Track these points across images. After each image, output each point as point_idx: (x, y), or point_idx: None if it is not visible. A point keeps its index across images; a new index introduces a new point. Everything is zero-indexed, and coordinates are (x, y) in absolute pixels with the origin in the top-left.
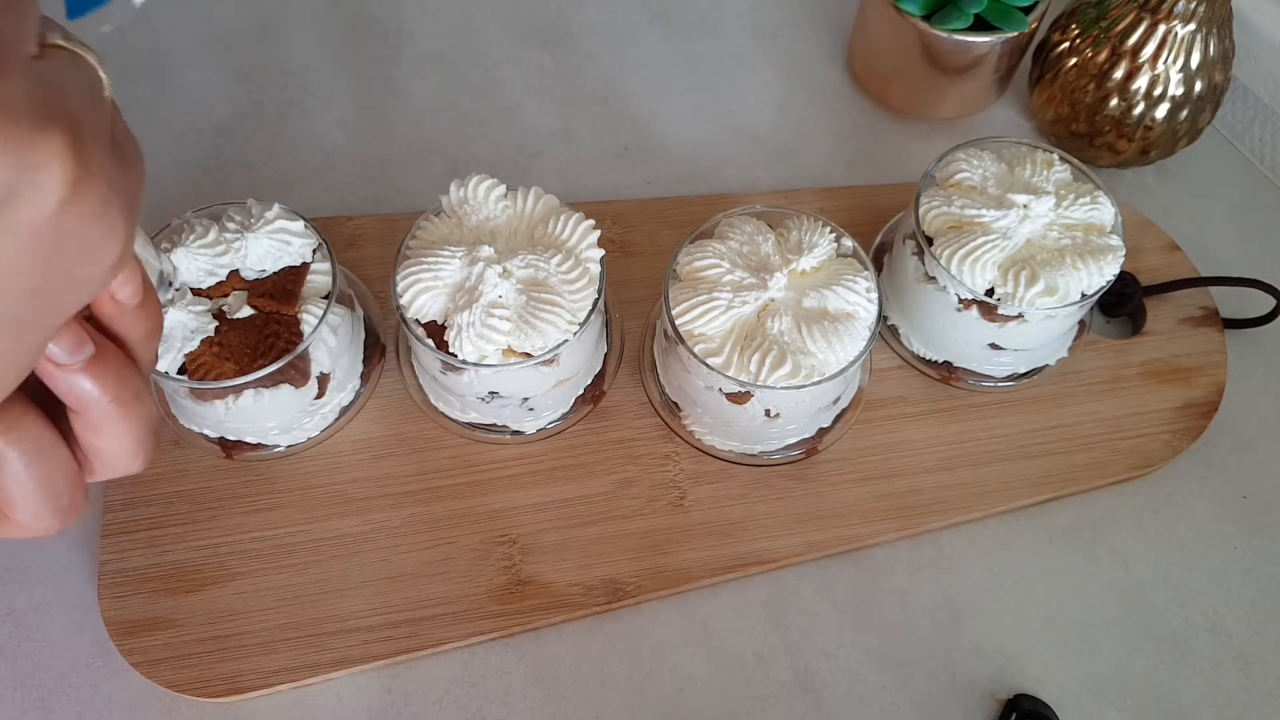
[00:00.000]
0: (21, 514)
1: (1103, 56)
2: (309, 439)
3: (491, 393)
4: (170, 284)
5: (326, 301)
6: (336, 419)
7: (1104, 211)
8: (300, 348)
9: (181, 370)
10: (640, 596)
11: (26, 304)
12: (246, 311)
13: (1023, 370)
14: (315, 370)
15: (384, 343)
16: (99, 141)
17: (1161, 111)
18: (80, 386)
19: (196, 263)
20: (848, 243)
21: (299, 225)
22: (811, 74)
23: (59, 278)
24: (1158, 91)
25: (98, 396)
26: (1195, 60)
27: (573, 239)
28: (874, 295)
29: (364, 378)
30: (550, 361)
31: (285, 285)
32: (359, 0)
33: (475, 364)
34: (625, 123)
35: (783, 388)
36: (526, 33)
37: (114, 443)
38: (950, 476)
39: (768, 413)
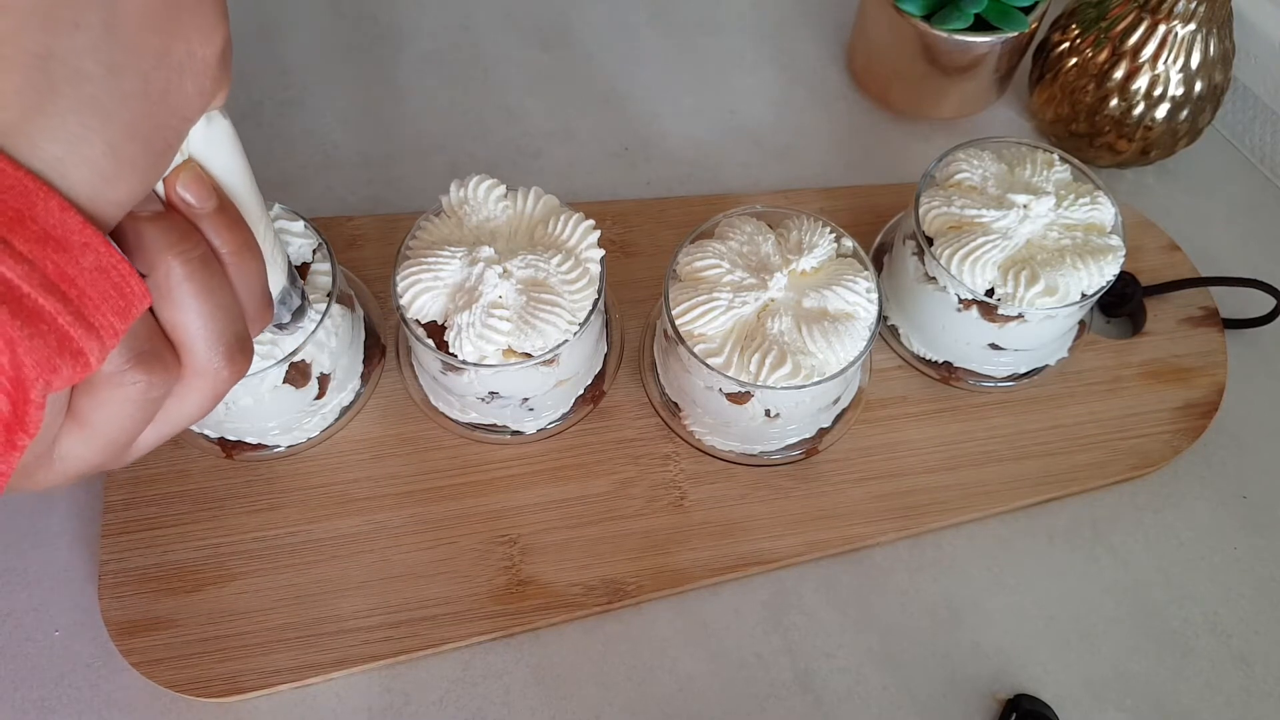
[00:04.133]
0: (197, 350)
1: (1103, 56)
2: (309, 439)
3: (491, 393)
4: (294, 298)
5: (327, 302)
6: (337, 419)
7: (1104, 211)
8: (299, 347)
9: None
10: (640, 596)
11: (155, 64)
12: None
13: (1023, 370)
14: (315, 370)
15: (384, 343)
16: None
17: (1161, 111)
18: (147, 235)
19: None
20: (848, 243)
21: (299, 225)
22: (811, 74)
23: (180, 44)
24: (1158, 92)
25: (161, 252)
26: (1195, 60)
27: (573, 239)
28: (874, 295)
29: (364, 378)
30: (550, 361)
31: None
32: (359, 0)
33: (475, 364)
34: (625, 123)
35: (783, 388)
36: (526, 33)
37: (187, 317)
38: (950, 476)
39: (768, 413)
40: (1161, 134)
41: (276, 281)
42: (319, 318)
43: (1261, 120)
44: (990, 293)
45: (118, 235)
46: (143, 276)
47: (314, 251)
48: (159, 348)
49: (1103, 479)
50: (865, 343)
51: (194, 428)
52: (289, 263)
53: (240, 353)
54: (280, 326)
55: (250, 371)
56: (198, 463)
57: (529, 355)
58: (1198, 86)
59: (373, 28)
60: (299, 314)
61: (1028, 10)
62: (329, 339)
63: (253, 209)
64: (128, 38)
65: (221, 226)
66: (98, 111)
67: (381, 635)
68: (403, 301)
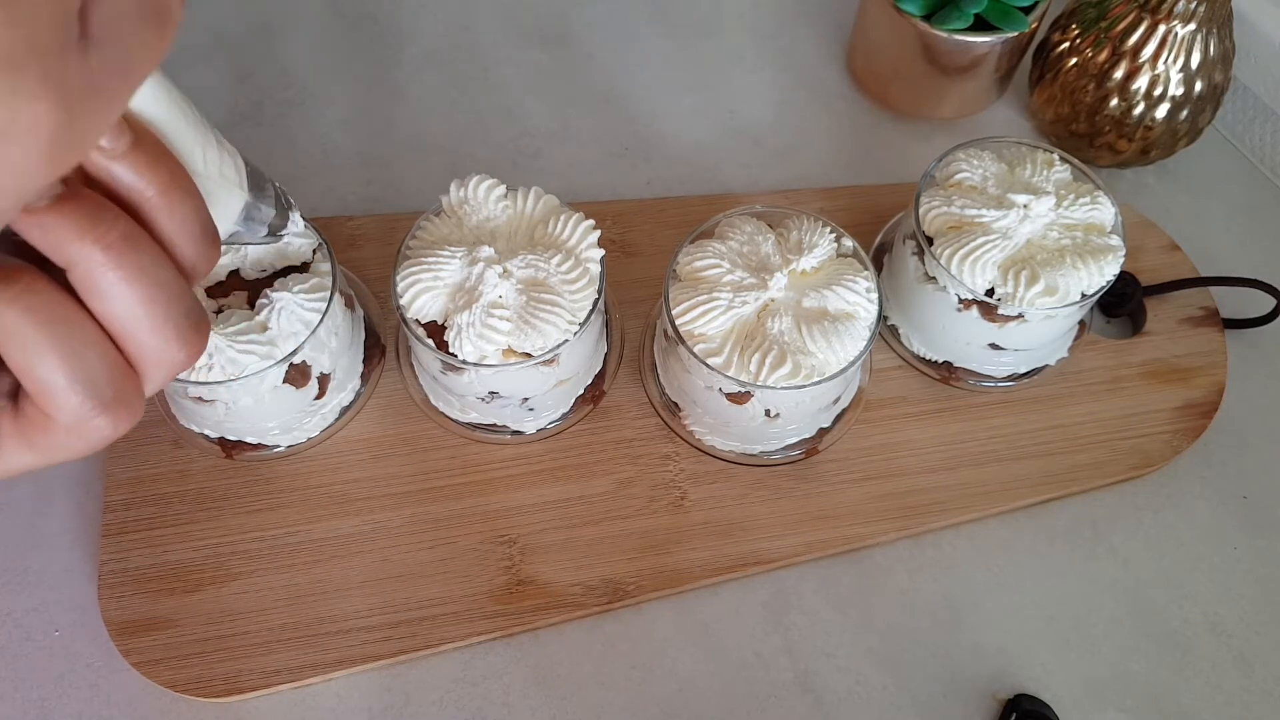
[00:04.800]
0: (61, 408)
1: (1103, 56)
2: (309, 439)
3: (491, 393)
4: (264, 209)
5: (327, 302)
6: (337, 419)
7: (1104, 211)
8: (298, 347)
9: None
10: (640, 596)
11: None
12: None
13: (1023, 370)
14: (315, 370)
15: (384, 343)
16: None
17: (1161, 111)
18: (54, 229)
19: None
20: (848, 243)
21: (299, 225)
22: (811, 74)
23: None
24: (1158, 91)
25: (74, 243)
26: (1195, 60)
27: (573, 239)
28: (874, 295)
29: (364, 378)
30: (550, 361)
31: None
32: (359, 0)
33: (475, 364)
34: (625, 123)
35: (783, 388)
36: (526, 33)
37: (124, 307)
38: (950, 476)
39: (768, 413)
40: (1161, 134)
41: (233, 203)
42: (303, 221)
43: (1261, 120)
44: (990, 293)
45: (16, 235)
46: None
47: (314, 251)
48: (123, 389)
49: (1103, 479)
50: (865, 343)
51: (194, 428)
52: (249, 173)
53: (193, 330)
54: (262, 241)
55: (250, 371)
56: (198, 463)
57: (529, 355)
58: (1198, 86)
59: (373, 28)
60: (280, 221)
61: (1028, 10)
62: (329, 339)
63: (181, 131)
64: None
65: (142, 164)
66: None
67: (381, 635)
68: (403, 301)
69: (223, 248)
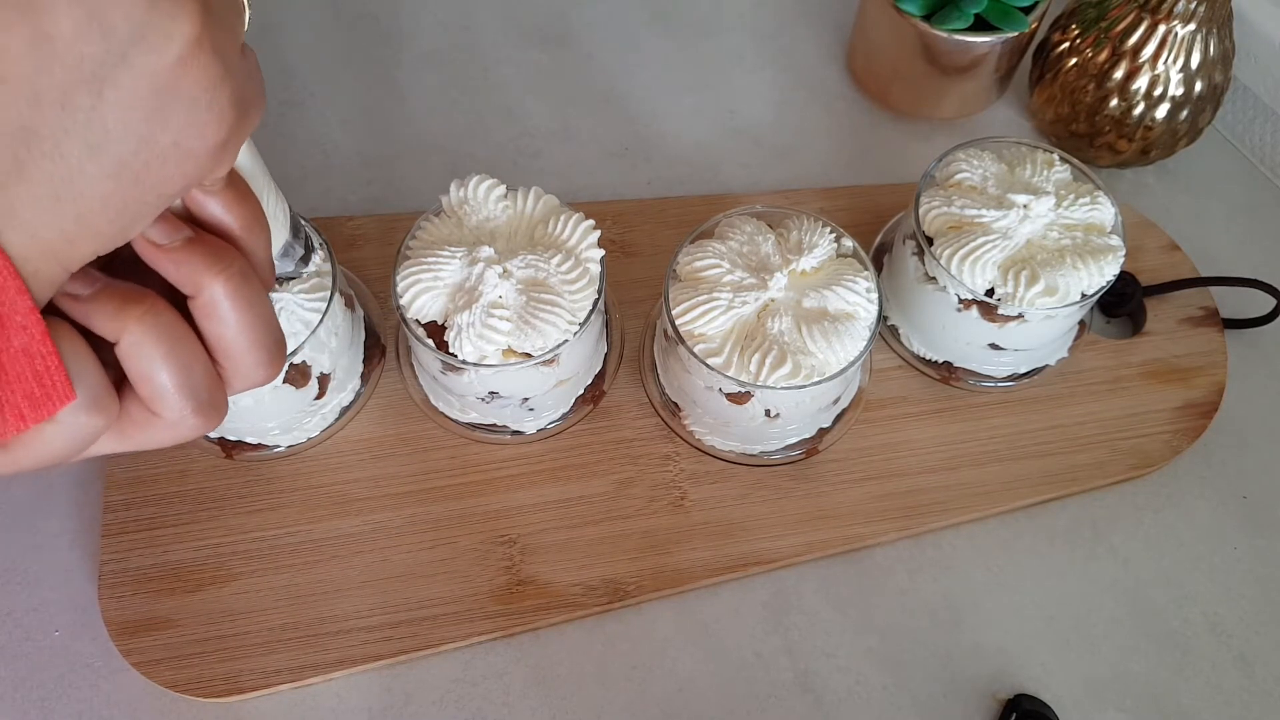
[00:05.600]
0: (168, 409)
1: (1103, 56)
2: (309, 439)
3: (491, 393)
4: (297, 249)
5: (327, 302)
6: (336, 419)
7: (1104, 211)
8: (298, 348)
9: None
10: (640, 596)
11: (135, 149)
12: None
13: (1023, 370)
14: (315, 370)
15: (384, 343)
16: (223, 20)
17: (1161, 111)
18: (186, 264)
19: None
20: (848, 243)
21: (318, 263)
22: (811, 74)
23: (166, 135)
24: (1158, 92)
25: (203, 275)
26: (1195, 60)
27: (573, 239)
28: (874, 295)
29: (364, 378)
30: (550, 361)
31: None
32: (359, 0)
33: (475, 364)
34: (625, 123)
35: (783, 388)
36: (526, 33)
37: (234, 332)
38: (950, 476)
39: (768, 413)
40: (1161, 134)
41: (278, 239)
42: (324, 260)
43: (1261, 120)
44: (990, 293)
45: (148, 266)
46: (188, 300)
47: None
48: (215, 397)
49: (1103, 479)
50: (865, 343)
51: None
52: (289, 213)
53: (278, 355)
54: (285, 278)
55: None
56: (198, 463)
57: (529, 355)
58: (1198, 86)
59: (373, 28)
60: (304, 261)
61: (1028, 10)
62: (329, 339)
63: (255, 174)
64: (111, 123)
65: (233, 201)
66: (71, 186)
67: (381, 635)
68: (403, 301)
69: None
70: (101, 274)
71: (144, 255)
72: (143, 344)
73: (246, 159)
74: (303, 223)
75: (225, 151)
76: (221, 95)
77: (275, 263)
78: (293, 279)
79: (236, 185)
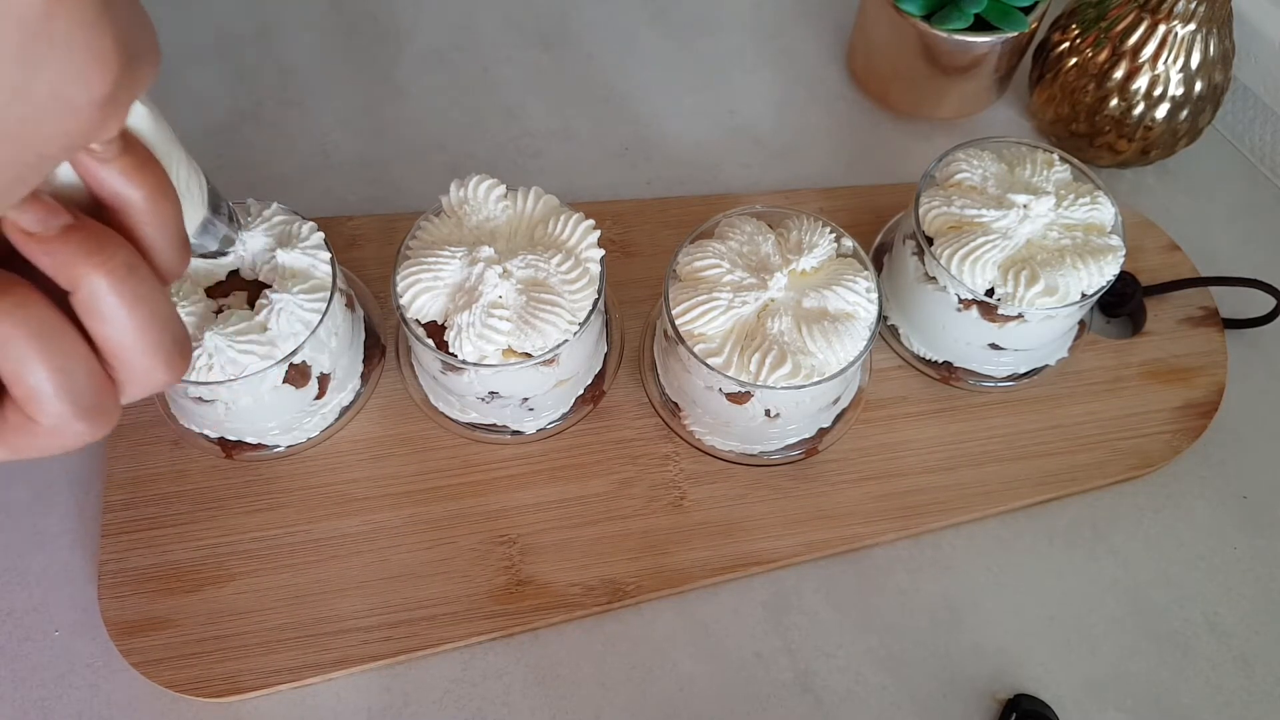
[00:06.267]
0: (46, 414)
1: (1103, 56)
2: (309, 439)
3: (491, 393)
4: (218, 226)
5: (327, 302)
6: (336, 419)
7: (1104, 211)
8: (298, 348)
9: None
10: (640, 596)
11: (7, 101)
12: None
13: (1023, 370)
14: (315, 370)
15: (384, 343)
16: None
17: (1161, 111)
18: (61, 253)
19: (196, 263)
20: (848, 243)
21: (304, 227)
22: (811, 74)
23: (42, 85)
24: (1158, 91)
25: (80, 268)
26: (1195, 60)
27: (573, 239)
28: (874, 295)
29: (364, 378)
30: (550, 361)
31: None
32: (359, 0)
33: (475, 364)
34: (625, 123)
35: (783, 388)
36: (526, 33)
37: (120, 331)
38: (950, 476)
39: (768, 413)
40: (1161, 134)
41: (194, 218)
42: (246, 238)
43: (1261, 120)
44: (990, 293)
45: (24, 259)
46: (69, 296)
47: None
48: (103, 400)
49: (1103, 479)
50: (865, 343)
51: (194, 428)
52: (208, 190)
53: (179, 355)
54: (209, 255)
55: (250, 371)
56: (198, 463)
57: (529, 355)
58: (1198, 86)
59: (373, 28)
60: (228, 240)
61: (1028, 10)
62: (329, 339)
63: (159, 142)
64: None
65: (132, 168)
66: None
67: (381, 635)
68: (403, 301)
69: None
70: None
71: (16, 244)
72: (11, 340)
73: (147, 125)
74: (226, 202)
75: (113, 106)
76: (101, 37)
77: (194, 241)
78: (218, 256)
79: (135, 151)
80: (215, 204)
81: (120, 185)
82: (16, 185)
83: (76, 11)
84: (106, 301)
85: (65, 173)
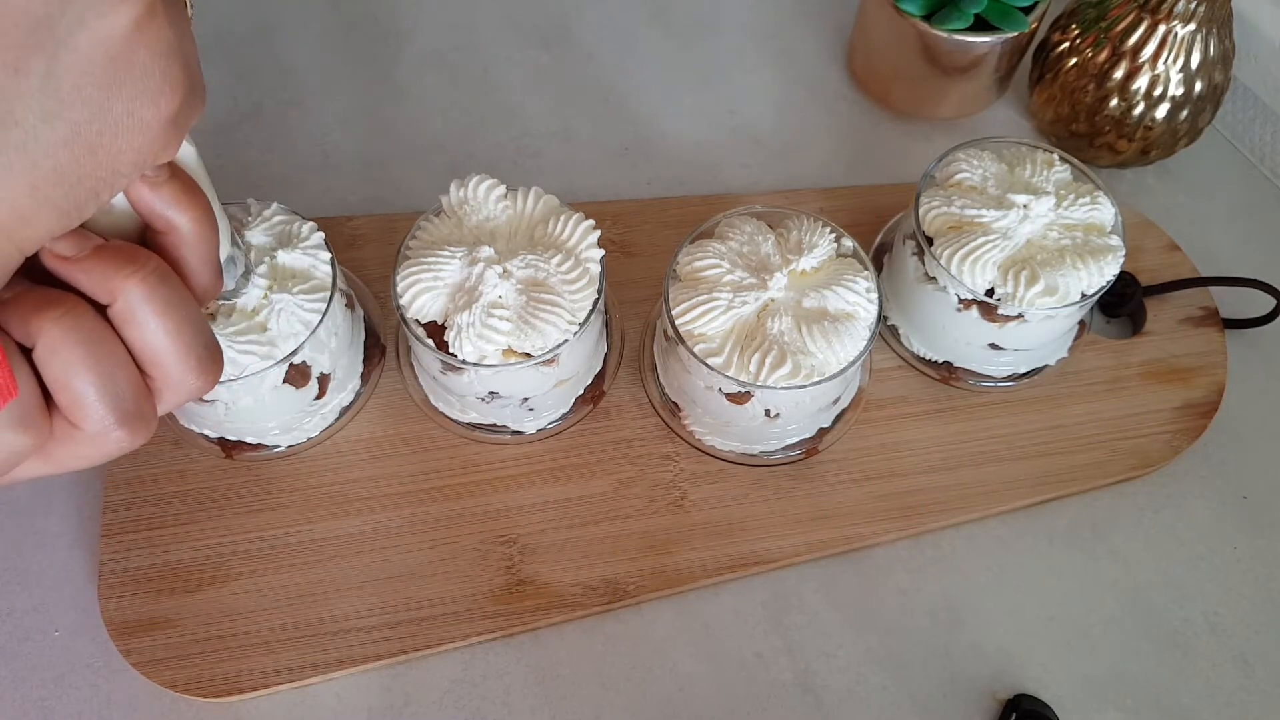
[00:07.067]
0: (89, 419)
1: (1103, 57)
2: (309, 439)
3: (491, 393)
4: (239, 264)
5: (327, 302)
6: (336, 419)
7: (1104, 211)
8: (298, 348)
9: None
10: (640, 596)
11: (90, 117)
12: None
13: (1023, 370)
14: (315, 370)
15: (384, 343)
16: None
17: (1161, 112)
18: (96, 270)
19: None
20: (848, 243)
21: (304, 227)
22: (811, 74)
23: (120, 103)
24: (1158, 92)
25: (115, 279)
26: (1195, 60)
27: (573, 239)
28: (874, 295)
29: (364, 378)
30: (550, 361)
31: None
32: (359, 0)
33: (475, 364)
34: (625, 123)
35: (783, 388)
36: (526, 33)
37: (156, 335)
38: (950, 476)
39: (768, 413)
40: (1161, 134)
41: (223, 249)
42: (256, 278)
43: (1261, 120)
44: (990, 293)
45: (57, 276)
46: (104, 308)
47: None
48: (142, 407)
49: (1103, 479)
50: (865, 343)
51: (194, 428)
52: (230, 227)
53: (211, 361)
54: (224, 295)
55: (250, 372)
56: (198, 463)
57: (529, 355)
58: (1198, 86)
59: (373, 28)
60: (244, 278)
61: (1028, 10)
62: (329, 339)
63: (200, 174)
64: (66, 89)
65: (181, 193)
66: (24, 154)
67: (381, 635)
68: (403, 301)
69: None
70: (24, 279)
71: (54, 269)
72: (60, 347)
73: (191, 157)
74: (240, 245)
75: (176, 127)
76: (174, 65)
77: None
78: (233, 295)
79: (183, 179)
80: (236, 244)
81: (170, 209)
82: (92, 199)
83: (156, 39)
84: (142, 308)
85: (113, 207)
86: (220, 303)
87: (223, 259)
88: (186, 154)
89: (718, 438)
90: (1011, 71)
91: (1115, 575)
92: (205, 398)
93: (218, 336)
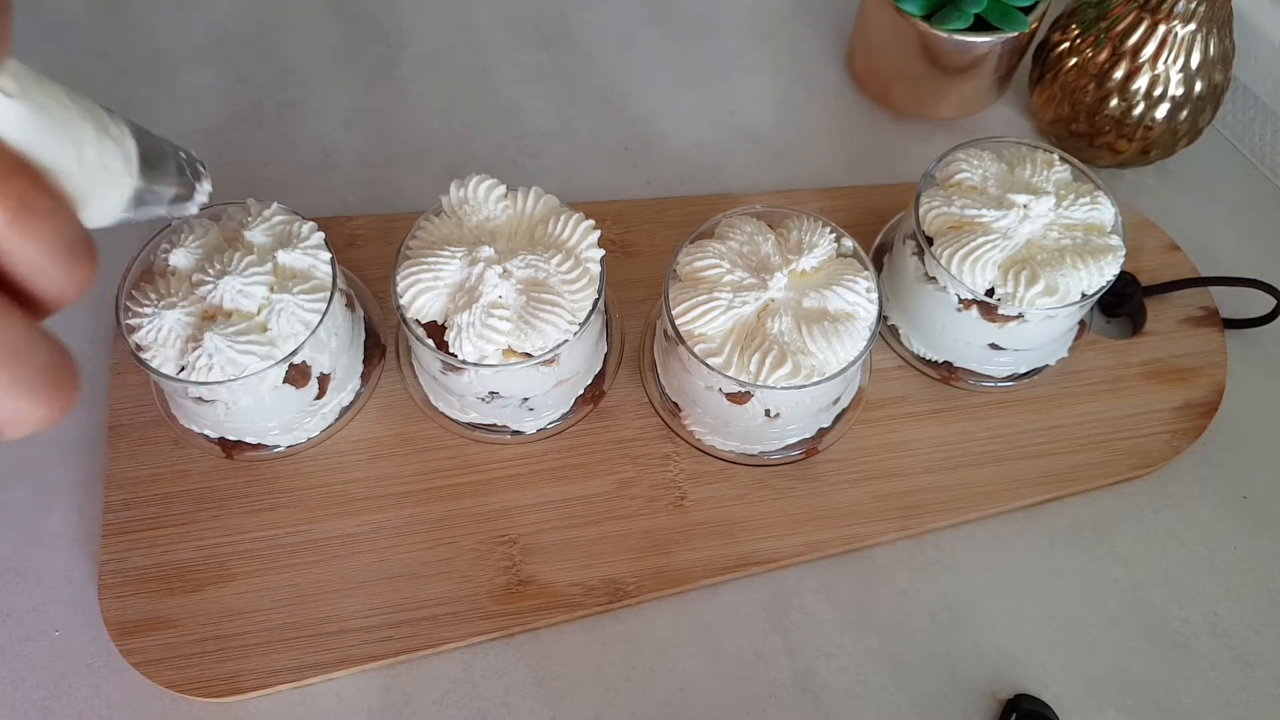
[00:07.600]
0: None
1: (1103, 56)
2: (309, 439)
3: (491, 393)
4: (166, 189)
5: (327, 302)
6: (336, 419)
7: (1104, 211)
8: (298, 348)
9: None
10: (640, 596)
11: None
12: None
13: (1023, 370)
14: (315, 370)
15: (384, 343)
16: None
17: (1161, 111)
18: None
19: (186, 258)
20: (848, 243)
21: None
22: (811, 74)
23: None
24: (1158, 91)
25: None
26: (1195, 60)
27: (573, 239)
28: (874, 295)
29: (364, 378)
30: (550, 361)
31: None
32: (359, 0)
33: (475, 364)
34: (625, 123)
35: (783, 388)
36: (526, 33)
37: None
38: (950, 476)
39: (768, 413)
40: (1161, 134)
41: (119, 193)
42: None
43: (1261, 120)
44: (990, 293)
45: None
46: None
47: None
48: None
49: (1103, 479)
50: (865, 343)
51: (194, 428)
52: (145, 152)
53: (49, 387)
54: (173, 206)
55: (250, 371)
56: (198, 463)
57: (529, 355)
58: (1198, 86)
59: (373, 28)
60: (185, 193)
61: (1028, 10)
62: (329, 339)
63: (48, 134)
64: None
65: None
66: None
67: (381, 635)
68: (403, 301)
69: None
70: None
71: None
72: None
73: (20, 115)
74: (178, 153)
75: None
76: None
77: (126, 215)
78: (179, 214)
79: None
80: (154, 164)
81: None
82: None
83: None
84: None
85: None
86: (174, 218)
87: (126, 199)
88: (7, 112)
89: (718, 438)
90: (1011, 71)
91: (1115, 575)
92: (205, 398)
93: (218, 337)
